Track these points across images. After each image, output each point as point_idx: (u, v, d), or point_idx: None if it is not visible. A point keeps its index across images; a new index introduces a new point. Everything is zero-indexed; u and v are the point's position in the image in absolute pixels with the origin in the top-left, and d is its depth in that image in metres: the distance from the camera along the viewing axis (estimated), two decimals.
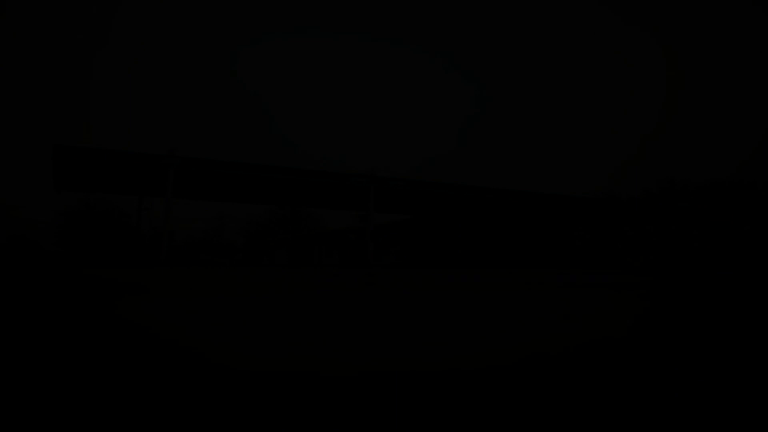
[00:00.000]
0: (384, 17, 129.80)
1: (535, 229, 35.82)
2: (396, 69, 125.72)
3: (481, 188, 26.27)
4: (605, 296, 4.91)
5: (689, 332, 2.80)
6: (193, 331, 2.46)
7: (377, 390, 1.42)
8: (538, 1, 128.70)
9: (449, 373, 1.67)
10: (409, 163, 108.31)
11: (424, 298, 4.38)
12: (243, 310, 3.35)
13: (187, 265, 19.74)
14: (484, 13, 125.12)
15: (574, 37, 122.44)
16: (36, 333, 2.33)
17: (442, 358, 1.94)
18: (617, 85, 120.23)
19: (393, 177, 23.91)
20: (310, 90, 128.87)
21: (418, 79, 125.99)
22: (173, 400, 1.31)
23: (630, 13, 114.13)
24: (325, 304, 3.86)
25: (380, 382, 1.49)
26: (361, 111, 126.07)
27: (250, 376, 1.52)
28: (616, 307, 3.94)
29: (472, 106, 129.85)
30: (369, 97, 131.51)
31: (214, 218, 75.70)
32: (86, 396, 1.35)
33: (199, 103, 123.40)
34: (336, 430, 1.13)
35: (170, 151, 19.66)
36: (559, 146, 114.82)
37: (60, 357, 1.74)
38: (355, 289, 5.33)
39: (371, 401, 1.32)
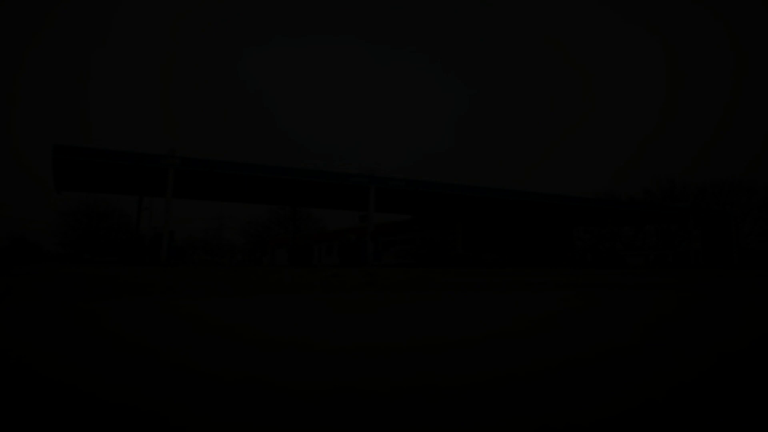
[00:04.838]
0: (380, 21, 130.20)
1: (535, 229, 35.82)
2: (395, 71, 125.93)
3: (480, 188, 26.29)
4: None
5: None
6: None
7: None
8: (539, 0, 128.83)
9: None
10: (409, 161, 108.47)
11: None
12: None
13: (187, 266, 19.75)
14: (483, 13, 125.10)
15: (573, 35, 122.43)
16: None
17: None
18: (617, 85, 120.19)
19: (393, 177, 23.94)
20: (311, 91, 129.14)
21: (417, 80, 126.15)
22: None
23: (630, 11, 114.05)
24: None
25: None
26: (360, 111, 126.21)
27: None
28: None
29: (471, 105, 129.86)
30: (369, 97, 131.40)
31: (214, 218, 75.97)
32: None
33: (200, 103, 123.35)
34: None
35: (170, 151, 19.68)
36: (560, 146, 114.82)
37: None
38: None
39: None
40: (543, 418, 1.07)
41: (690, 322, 2.78)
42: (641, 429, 1.04)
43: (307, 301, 3.96)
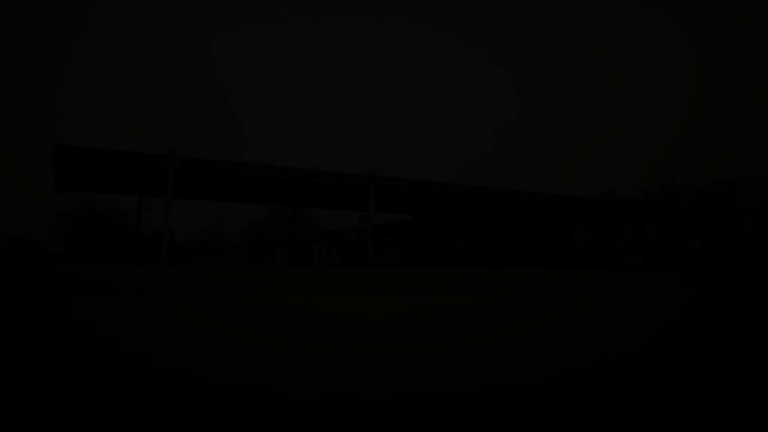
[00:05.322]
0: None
1: (535, 229, 35.81)
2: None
3: (480, 188, 26.30)
4: None
5: None
6: None
7: None
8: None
9: None
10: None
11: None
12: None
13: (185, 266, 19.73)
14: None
15: (573, 36, 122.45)
16: None
17: None
18: (615, 84, 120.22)
19: (393, 177, 23.93)
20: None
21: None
22: None
23: (629, 16, 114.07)
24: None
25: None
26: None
27: None
28: None
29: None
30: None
31: (214, 218, 76.04)
32: None
33: (200, 103, 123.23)
34: None
35: (170, 151, 19.68)
36: (561, 146, 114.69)
37: None
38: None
39: None
40: (542, 419, 1.07)
41: (691, 323, 2.77)
42: (640, 430, 1.03)
43: (307, 301, 3.96)
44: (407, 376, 1.42)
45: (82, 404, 1.15)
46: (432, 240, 35.49)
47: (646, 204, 44.86)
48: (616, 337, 2.23)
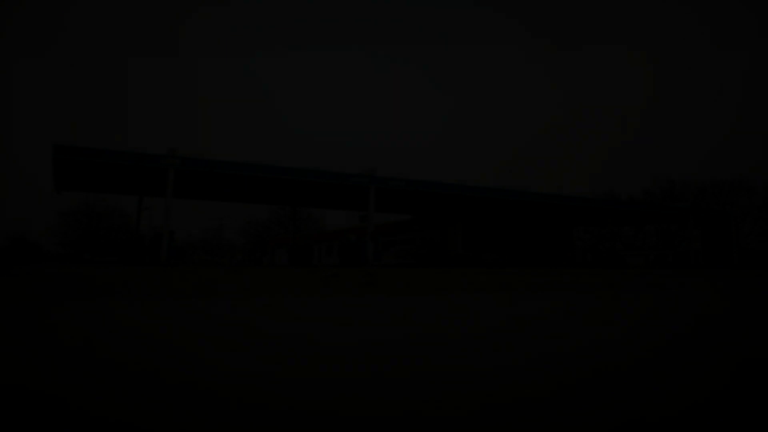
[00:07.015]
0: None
1: (535, 229, 35.78)
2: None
3: (480, 188, 26.28)
4: None
5: None
6: None
7: None
8: None
9: None
10: None
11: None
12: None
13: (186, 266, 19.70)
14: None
15: (571, 34, 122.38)
16: None
17: None
18: (614, 84, 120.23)
19: (393, 177, 23.91)
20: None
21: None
22: None
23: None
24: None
25: None
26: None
27: None
28: None
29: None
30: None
31: (214, 218, 76.00)
32: None
33: (200, 103, 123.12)
34: None
35: (170, 151, 19.66)
36: (560, 145, 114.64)
37: None
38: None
39: None
40: None
41: (692, 325, 2.76)
42: None
43: (307, 302, 3.94)
44: (404, 389, 1.41)
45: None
46: (432, 240, 35.47)
47: (646, 204, 44.84)
48: (617, 339, 2.20)
